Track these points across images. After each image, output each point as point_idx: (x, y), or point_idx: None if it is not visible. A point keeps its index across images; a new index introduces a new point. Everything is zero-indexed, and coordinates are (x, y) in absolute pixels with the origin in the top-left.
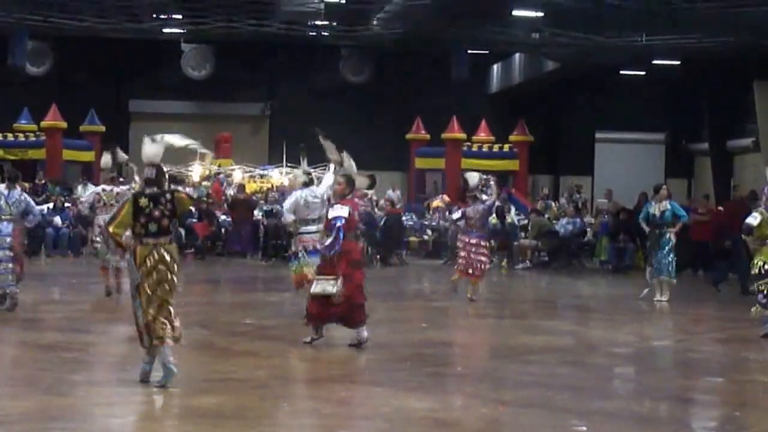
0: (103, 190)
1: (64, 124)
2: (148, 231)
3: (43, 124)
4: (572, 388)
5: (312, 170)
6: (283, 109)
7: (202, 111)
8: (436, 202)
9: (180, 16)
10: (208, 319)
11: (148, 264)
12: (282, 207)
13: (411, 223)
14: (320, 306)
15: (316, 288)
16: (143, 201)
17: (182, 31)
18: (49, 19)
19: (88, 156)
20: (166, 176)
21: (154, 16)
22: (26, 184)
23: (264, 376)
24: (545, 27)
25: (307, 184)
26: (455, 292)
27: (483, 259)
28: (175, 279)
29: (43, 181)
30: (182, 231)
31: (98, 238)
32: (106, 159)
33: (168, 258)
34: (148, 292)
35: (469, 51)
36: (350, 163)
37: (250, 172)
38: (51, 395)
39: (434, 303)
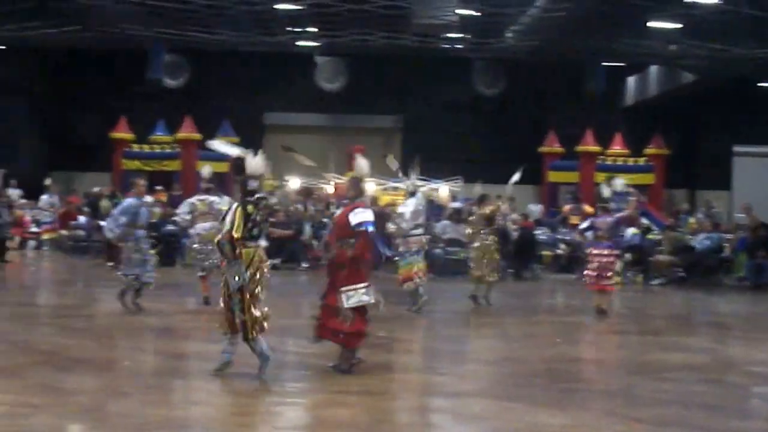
0: (198, 200)
1: (198, 136)
2: (252, 235)
3: (179, 135)
4: (709, 406)
5: (427, 182)
6: (416, 122)
7: (335, 123)
8: (567, 207)
9: (314, 29)
10: None
11: (254, 266)
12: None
13: (544, 237)
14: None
15: (351, 301)
16: (250, 208)
17: (316, 43)
18: (186, 33)
19: (221, 167)
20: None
21: (289, 29)
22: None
23: (397, 388)
24: (682, 38)
25: (413, 194)
26: (600, 314)
27: (611, 272)
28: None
29: (179, 192)
30: (315, 243)
31: (196, 246)
32: (207, 170)
33: (265, 259)
34: (256, 291)
35: (604, 63)
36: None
37: (383, 184)
38: (187, 404)
39: (567, 318)
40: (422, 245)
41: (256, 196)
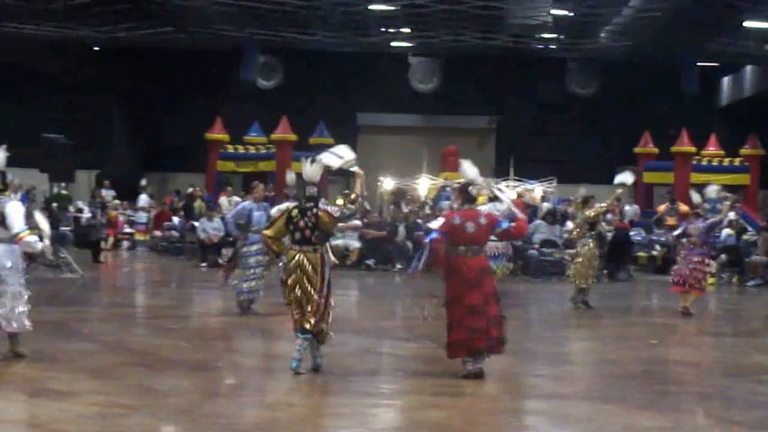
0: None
1: (293, 137)
2: (294, 239)
3: (273, 136)
4: None
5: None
6: (510, 122)
7: (429, 124)
8: (662, 207)
9: (408, 30)
10: (436, 333)
11: (290, 267)
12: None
13: (639, 238)
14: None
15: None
16: (294, 213)
17: (410, 44)
18: (280, 34)
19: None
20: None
21: (383, 29)
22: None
23: (493, 390)
24: None
25: (492, 199)
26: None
27: (700, 275)
28: (310, 284)
29: (273, 194)
30: (410, 244)
31: None
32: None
33: (308, 266)
34: (285, 289)
35: (699, 63)
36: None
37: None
38: (282, 405)
39: (662, 319)
40: (500, 250)
41: (311, 204)
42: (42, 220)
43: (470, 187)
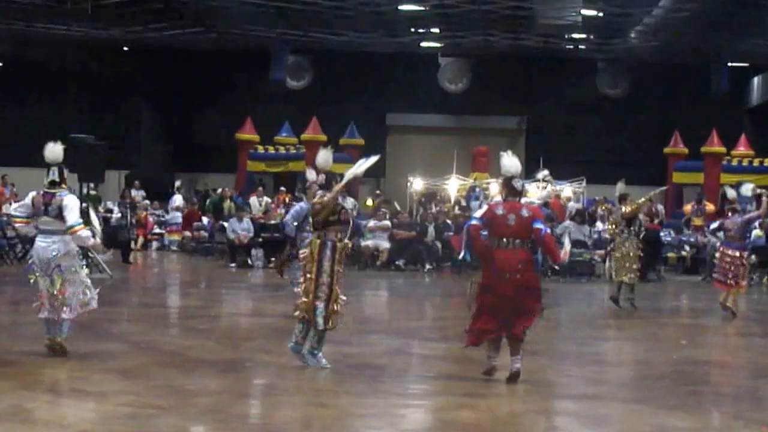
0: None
1: (324, 137)
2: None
3: (303, 137)
4: None
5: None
6: (540, 123)
7: (458, 124)
8: (688, 207)
9: (437, 30)
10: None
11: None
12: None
13: (669, 238)
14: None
15: None
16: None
17: (439, 44)
18: (309, 34)
19: (346, 169)
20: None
21: (412, 30)
22: (287, 196)
23: (522, 390)
24: None
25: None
26: (725, 311)
27: (741, 270)
28: (310, 272)
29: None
30: (439, 244)
31: None
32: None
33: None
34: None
35: (729, 63)
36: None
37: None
38: (312, 406)
39: (692, 320)
40: None
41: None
42: (95, 218)
43: (514, 180)
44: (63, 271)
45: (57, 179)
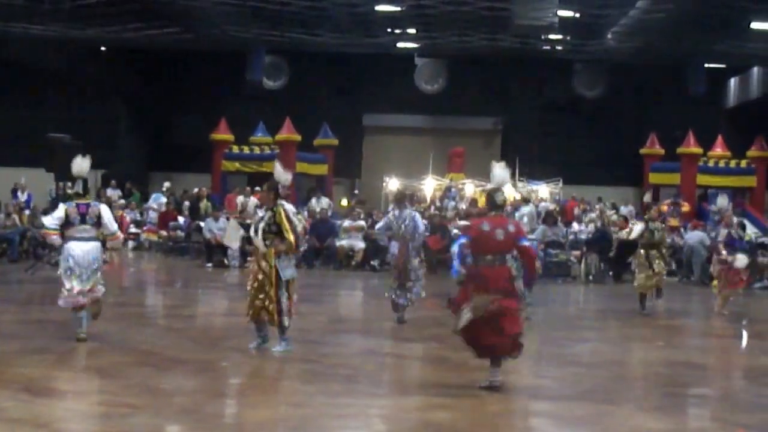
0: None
1: (298, 137)
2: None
3: (278, 137)
4: None
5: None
6: (516, 124)
7: (435, 125)
8: (664, 207)
9: (414, 31)
10: (443, 334)
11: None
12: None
13: None
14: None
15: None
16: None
17: (416, 45)
18: (286, 35)
19: (320, 169)
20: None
21: (389, 30)
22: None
23: (498, 391)
24: None
25: (527, 200)
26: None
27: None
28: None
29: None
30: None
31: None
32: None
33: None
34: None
35: (706, 64)
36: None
37: (482, 186)
38: (287, 405)
39: (669, 321)
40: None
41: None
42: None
43: (496, 194)
44: (99, 273)
45: (81, 191)
